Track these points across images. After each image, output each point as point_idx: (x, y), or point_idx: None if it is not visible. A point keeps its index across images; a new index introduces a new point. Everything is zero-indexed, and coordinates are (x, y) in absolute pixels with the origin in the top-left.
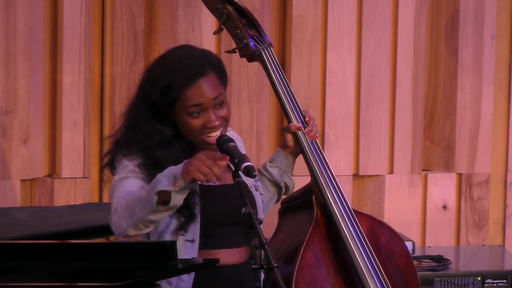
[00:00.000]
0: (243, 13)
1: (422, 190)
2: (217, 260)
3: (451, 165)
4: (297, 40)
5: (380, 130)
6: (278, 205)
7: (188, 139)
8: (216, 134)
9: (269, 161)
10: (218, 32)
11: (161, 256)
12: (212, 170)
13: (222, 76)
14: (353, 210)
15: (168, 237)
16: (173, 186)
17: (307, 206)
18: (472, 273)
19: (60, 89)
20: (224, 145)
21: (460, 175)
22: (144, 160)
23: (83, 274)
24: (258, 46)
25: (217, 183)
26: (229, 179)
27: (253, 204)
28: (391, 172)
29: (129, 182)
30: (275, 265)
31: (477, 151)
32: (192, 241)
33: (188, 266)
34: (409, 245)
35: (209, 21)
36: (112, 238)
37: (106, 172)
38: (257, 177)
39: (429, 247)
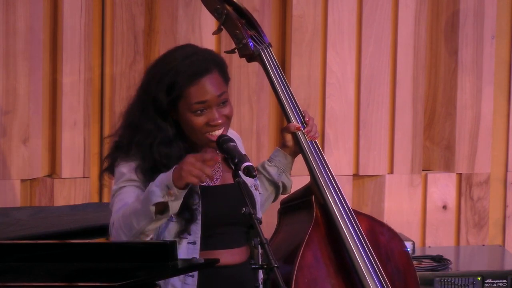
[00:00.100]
0: (242, 13)
1: (422, 190)
2: (217, 260)
3: (451, 165)
4: (297, 40)
5: (380, 130)
6: (278, 205)
7: (190, 139)
8: (219, 132)
9: (268, 160)
10: (217, 32)
11: (161, 256)
12: (203, 171)
13: (225, 75)
14: (353, 210)
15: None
16: (168, 196)
17: (307, 206)
18: (472, 273)
19: (60, 89)
20: (224, 145)
21: (460, 175)
22: (142, 163)
23: (83, 274)
24: (258, 46)
25: (217, 183)
26: (229, 179)
27: (253, 204)
28: (391, 172)
29: (125, 193)
30: (275, 265)
31: (477, 151)
32: (194, 243)
33: (188, 266)
34: (409, 245)
35: (209, 21)
36: (112, 238)
37: (106, 176)
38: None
39: (429, 247)
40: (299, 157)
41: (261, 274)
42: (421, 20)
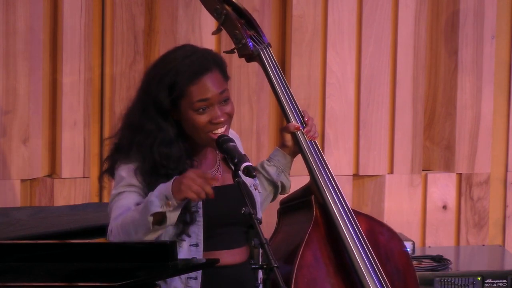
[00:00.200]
0: (241, 13)
1: (422, 190)
2: (218, 260)
3: (451, 165)
4: (297, 40)
5: (380, 130)
6: (278, 205)
7: (191, 139)
8: (221, 130)
9: (267, 160)
10: (216, 32)
11: (161, 256)
12: (203, 188)
13: (225, 74)
14: (352, 210)
15: None
16: (166, 206)
17: (306, 206)
18: (472, 273)
19: (60, 89)
20: (224, 145)
21: (460, 175)
22: (142, 164)
23: (83, 274)
24: (257, 46)
25: (217, 184)
26: (229, 180)
27: (253, 204)
28: (391, 172)
29: (124, 199)
30: (275, 265)
31: (477, 151)
32: (196, 245)
33: (188, 266)
34: (409, 245)
35: (209, 21)
36: None
37: (106, 177)
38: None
39: (429, 247)
40: (299, 157)
41: (261, 274)
42: (421, 20)
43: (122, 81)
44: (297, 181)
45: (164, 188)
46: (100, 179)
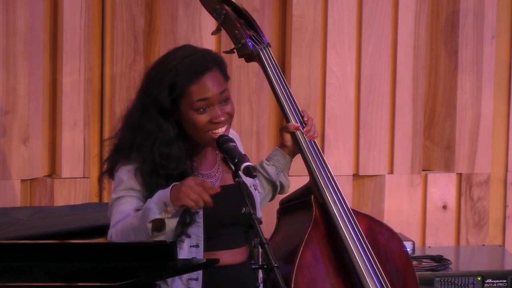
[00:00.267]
0: (241, 13)
1: (422, 190)
2: (217, 260)
3: (451, 165)
4: (297, 40)
5: (380, 130)
6: (277, 205)
7: (191, 139)
8: (222, 130)
9: (266, 159)
10: (216, 32)
11: (161, 256)
12: (202, 197)
13: (225, 74)
14: (352, 210)
15: None
16: (164, 213)
17: (306, 206)
18: (472, 273)
19: (60, 89)
20: (224, 145)
21: (460, 175)
22: (142, 165)
23: (83, 274)
24: (256, 46)
25: (217, 184)
26: (229, 180)
27: (253, 204)
28: (391, 172)
29: (123, 204)
30: (275, 265)
31: (477, 151)
32: (197, 246)
33: (188, 266)
34: (409, 245)
35: (209, 21)
36: None
37: (105, 179)
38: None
39: (429, 247)
40: (298, 157)
41: (261, 274)
42: (421, 20)
43: (122, 81)
44: (297, 181)
45: (163, 194)
46: (100, 180)
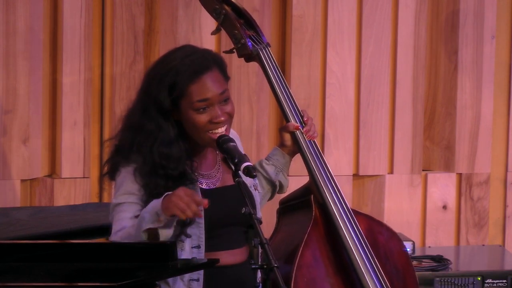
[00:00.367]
0: (240, 13)
1: (422, 190)
2: (217, 260)
3: (451, 165)
4: (297, 40)
5: (380, 130)
6: (277, 205)
7: (192, 139)
8: (222, 130)
9: (266, 159)
10: (216, 32)
11: (161, 256)
12: (190, 207)
13: (225, 73)
14: (352, 210)
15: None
16: (157, 222)
17: (306, 205)
18: (472, 273)
19: (60, 89)
20: (224, 145)
21: (460, 175)
22: (142, 165)
23: (83, 274)
24: (256, 46)
25: (217, 185)
26: (229, 180)
27: (253, 204)
28: (391, 172)
29: (123, 212)
30: (275, 265)
31: (477, 151)
32: (198, 246)
33: (188, 266)
34: (409, 245)
35: (209, 21)
36: None
37: (106, 180)
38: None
39: (429, 247)
40: (298, 157)
41: (259, 274)
42: (421, 20)
43: (122, 81)
44: (297, 181)
45: (156, 204)
46: (100, 181)
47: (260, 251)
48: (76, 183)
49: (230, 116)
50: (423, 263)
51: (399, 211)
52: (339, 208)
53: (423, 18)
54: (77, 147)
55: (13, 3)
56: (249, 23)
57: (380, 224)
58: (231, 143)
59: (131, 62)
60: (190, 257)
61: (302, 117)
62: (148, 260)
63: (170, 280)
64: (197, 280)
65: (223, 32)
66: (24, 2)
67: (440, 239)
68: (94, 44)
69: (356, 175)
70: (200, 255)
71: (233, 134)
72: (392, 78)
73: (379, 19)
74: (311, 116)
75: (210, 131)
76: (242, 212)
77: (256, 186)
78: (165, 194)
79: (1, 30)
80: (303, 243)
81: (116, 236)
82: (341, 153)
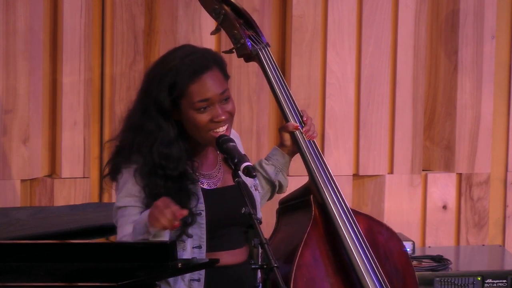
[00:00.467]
0: (240, 13)
1: (422, 190)
2: (217, 260)
3: (451, 165)
4: (297, 40)
5: (380, 130)
6: (277, 205)
7: (192, 138)
8: (223, 129)
9: (265, 159)
10: (215, 32)
11: (161, 256)
12: (164, 216)
13: (225, 73)
14: (351, 209)
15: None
16: (147, 234)
17: (305, 205)
18: (472, 273)
19: (60, 89)
20: (224, 145)
21: (460, 175)
22: (142, 166)
23: (83, 274)
24: (255, 46)
25: (218, 185)
26: (229, 181)
27: (253, 204)
28: (391, 172)
29: (127, 217)
30: (275, 265)
31: (477, 151)
32: (199, 247)
33: (188, 266)
34: (409, 245)
35: (209, 21)
36: (112, 238)
37: (107, 181)
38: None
39: (429, 247)
40: (298, 157)
41: (259, 274)
42: (421, 20)
43: (122, 81)
44: (296, 181)
45: (145, 215)
46: (101, 182)
47: (260, 251)
48: (76, 183)
49: (231, 115)
50: (423, 263)
51: (399, 211)
52: (338, 208)
53: (423, 18)
54: (77, 147)
55: (13, 3)
56: (249, 23)
57: (380, 224)
58: (231, 143)
59: (131, 62)
60: (191, 257)
61: (301, 117)
62: (148, 260)
63: (171, 280)
64: (198, 280)
65: (223, 32)
66: (24, 2)
67: (440, 239)
68: (94, 44)
69: (356, 175)
70: (201, 255)
71: (233, 134)
72: (392, 78)
73: (379, 19)
74: (311, 116)
75: (211, 131)
76: (242, 212)
77: (256, 187)
78: (152, 206)
79: (1, 30)
80: (302, 243)
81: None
82: (341, 153)
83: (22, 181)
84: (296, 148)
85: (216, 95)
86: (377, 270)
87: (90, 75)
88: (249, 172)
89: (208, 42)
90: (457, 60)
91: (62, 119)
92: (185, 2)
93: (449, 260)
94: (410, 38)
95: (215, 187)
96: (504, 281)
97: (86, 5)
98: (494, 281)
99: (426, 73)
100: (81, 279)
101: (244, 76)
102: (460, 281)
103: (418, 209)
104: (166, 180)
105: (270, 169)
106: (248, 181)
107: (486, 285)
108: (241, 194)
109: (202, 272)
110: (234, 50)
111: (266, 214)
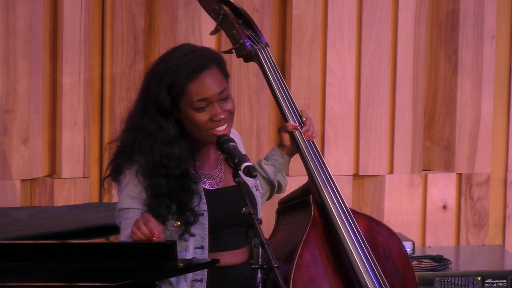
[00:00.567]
0: (239, 13)
1: (422, 190)
2: (217, 260)
3: (451, 165)
4: (297, 40)
5: (380, 130)
6: (277, 205)
7: (193, 138)
8: (223, 128)
9: (265, 159)
10: (214, 32)
11: (161, 256)
12: (142, 232)
13: (224, 71)
14: (351, 210)
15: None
16: None
17: (305, 205)
18: (472, 273)
19: (60, 89)
20: (224, 145)
21: (460, 175)
22: (144, 165)
23: (83, 274)
24: (255, 46)
25: (219, 185)
26: (230, 181)
27: (253, 204)
28: (391, 172)
29: (130, 219)
30: (275, 265)
31: (477, 151)
32: (202, 247)
33: (188, 266)
34: (409, 245)
35: (209, 21)
36: (112, 238)
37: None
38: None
39: (429, 247)
40: (298, 157)
41: (259, 274)
42: (421, 20)
43: (122, 81)
44: (296, 181)
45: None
46: (101, 183)
47: (260, 251)
48: (76, 183)
49: (230, 113)
50: (423, 263)
51: (399, 211)
52: (337, 208)
53: (423, 18)
54: (77, 147)
55: (13, 3)
56: (248, 23)
57: (380, 224)
58: (231, 143)
59: (131, 62)
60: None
61: (300, 117)
62: (148, 260)
63: (173, 280)
64: (201, 280)
65: (222, 32)
66: (24, 2)
67: (440, 239)
68: (94, 44)
69: (356, 175)
70: (204, 256)
71: (234, 133)
72: (392, 78)
73: (379, 19)
74: (310, 116)
75: (212, 129)
76: (242, 212)
77: (257, 187)
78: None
79: (1, 30)
80: (302, 243)
81: None
82: (341, 153)
83: (22, 181)
84: (295, 148)
85: (215, 94)
86: (377, 270)
87: (90, 75)
88: (250, 172)
89: (208, 42)
90: (457, 60)
91: (62, 119)
92: (185, 2)
93: (449, 260)
94: (410, 38)
95: (217, 187)
96: (504, 281)
97: (86, 5)
98: (494, 281)
99: (426, 73)
100: (81, 279)
101: (244, 76)
102: (460, 281)
103: (418, 209)
104: (168, 179)
105: (269, 169)
106: (249, 181)
107: (486, 285)
108: (241, 193)
109: (205, 272)
110: (233, 50)
111: (266, 214)
